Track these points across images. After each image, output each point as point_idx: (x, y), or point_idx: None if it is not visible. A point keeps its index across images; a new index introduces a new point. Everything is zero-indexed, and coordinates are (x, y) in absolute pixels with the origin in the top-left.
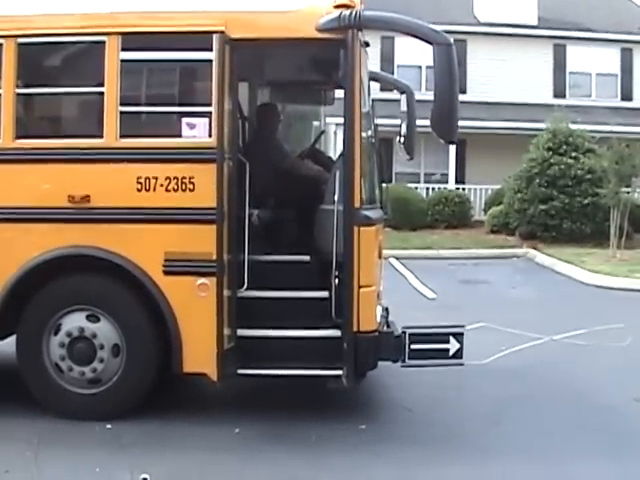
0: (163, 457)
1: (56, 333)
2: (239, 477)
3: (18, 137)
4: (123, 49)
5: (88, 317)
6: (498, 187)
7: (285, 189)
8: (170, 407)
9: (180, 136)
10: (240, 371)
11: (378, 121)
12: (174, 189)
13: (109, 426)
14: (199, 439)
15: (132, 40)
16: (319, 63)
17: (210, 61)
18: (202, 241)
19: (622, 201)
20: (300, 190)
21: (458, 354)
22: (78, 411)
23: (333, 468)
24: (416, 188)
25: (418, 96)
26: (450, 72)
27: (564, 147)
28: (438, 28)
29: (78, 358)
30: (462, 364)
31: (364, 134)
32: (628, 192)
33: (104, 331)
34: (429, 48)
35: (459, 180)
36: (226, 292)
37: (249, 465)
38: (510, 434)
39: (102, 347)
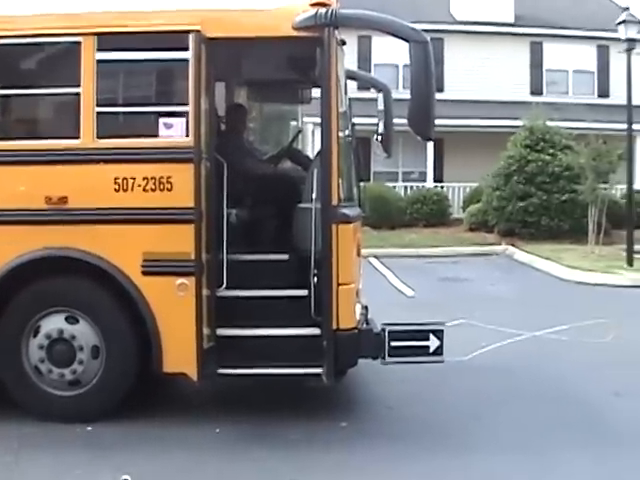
0: (144, 458)
1: (35, 335)
2: (220, 477)
3: None
4: (99, 49)
5: (67, 319)
6: (476, 185)
7: (253, 189)
8: (151, 408)
9: (157, 136)
10: (220, 371)
11: (355, 120)
12: (152, 189)
13: (90, 428)
14: (180, 439)
15: (108, 40)
16: (296, 62)
17: (186, 61)
18: (180, 241)
19: (600, 197)
20: (268, 190)
21: (438, 351)
22: (58, 413)
23: (314, 466)
24: (394, 187)
25: (395, 94)
26: (427, 70)
27: (541, 144)
28: (414, 26)
29: (58, 360)
30: (442, 361)
31: (341, 133)
32: (605, 188)
33: (83, 333)
34: (406, 46)
35: (437, 178)
36: (205, 292)
37: (231, 465)
38: (491, 428)
39: (81, 349)
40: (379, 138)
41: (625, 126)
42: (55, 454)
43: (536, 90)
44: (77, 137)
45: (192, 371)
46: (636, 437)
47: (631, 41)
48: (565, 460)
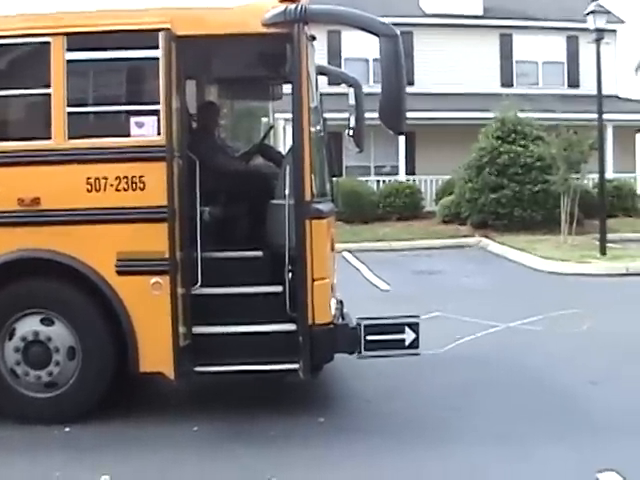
0: (123, 458)
1: (10, 338)
2: (200, 475)
3: None
4: (69, 49)
5: (42, 320)
6: (448, 177)
7: (226, 186)
8: (128, 407)
9: (129, 135)
10: (197, 369)
11: (327, 115)
12: (124, 188)
13: (68, 429)
14: (158, 438)
15: (77, 40)
16: (266, 58)
17: (157, 59)
18: (154, 240)
19: (572, 187)
20: (241, 187)
21: (414, 344)
22: (36, 416)
23: (293, 462)
24: (367, 181)
25: (366, 89)
26: (397, 63)
27: (513, 135)
28: (384, 20)
29: (34, 362)
30: (418, 354)
31: (313, 128)
32: (577, 178)
33: (59, 334)
34: (376, 40)
35: (409, 171)
36: (180, 290)
37: (209, 463)
38: (469, 420)
39: (57, 350)
40: (351, 133)
41: (596, 116)
42: (33, 457)
43: (506, 82)
44: (48, 138)
45: (169, 370)
46: (610, 425)
47: (600, 31)
48: (542, 450)
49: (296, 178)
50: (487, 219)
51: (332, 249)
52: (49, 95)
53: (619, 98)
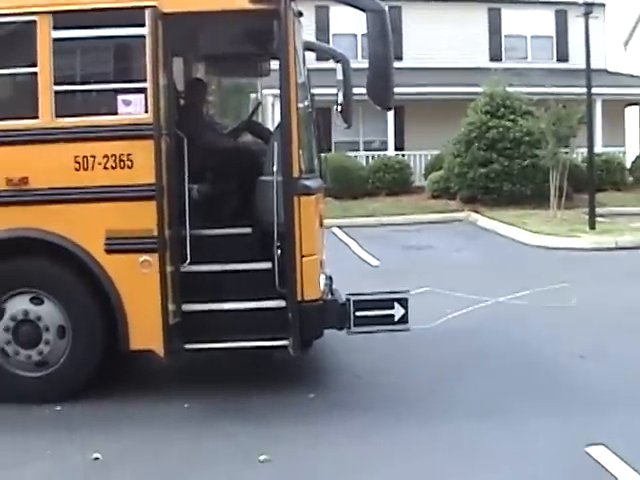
0: (114, 436)
1: (0, 318)
2: (191, 453)
3: None
4: (55, 28)
5: (32, 300)
6: (437, 152)
7: (214, 163)
8: (119, 386)
9: (116, 113)
10: (187, 346)
11: (315, 91)
12: (112, 167)
13: (59, 408)
14: (149, 416)
15: (64, 18)
16: (253, 35)
17: (143, 37)
18: (143, 218)
19: (561, 162)
20: (229, 163)
21: (403, 319)
22: (27, 395)
23: (284, 439)
24: (355, 156)
25: (354, 64)
26: (384, 39)
27: (502, 110)
28: None
29: (24, 341)
30: (408, 329)
31: (300, 104)
32: (566, 152)
33: (49, 313)
34: (363, 16)
35: (398, 147)
36: (169, 268)
37: (201, 441)
38: (460, 395)
39: (47, 329)
40: (339, 108)
41: (584, 90)
42: (25, 436)
43: (495, 56)
44: (36, 117)
45: (159, 347)
46: (599, 399)
47: (589, 5)
48: (532, 425)
49: (284, 154)
50: (476, 194)
51: (321, 225)
52: (36, 74)
53: (608, 72)
